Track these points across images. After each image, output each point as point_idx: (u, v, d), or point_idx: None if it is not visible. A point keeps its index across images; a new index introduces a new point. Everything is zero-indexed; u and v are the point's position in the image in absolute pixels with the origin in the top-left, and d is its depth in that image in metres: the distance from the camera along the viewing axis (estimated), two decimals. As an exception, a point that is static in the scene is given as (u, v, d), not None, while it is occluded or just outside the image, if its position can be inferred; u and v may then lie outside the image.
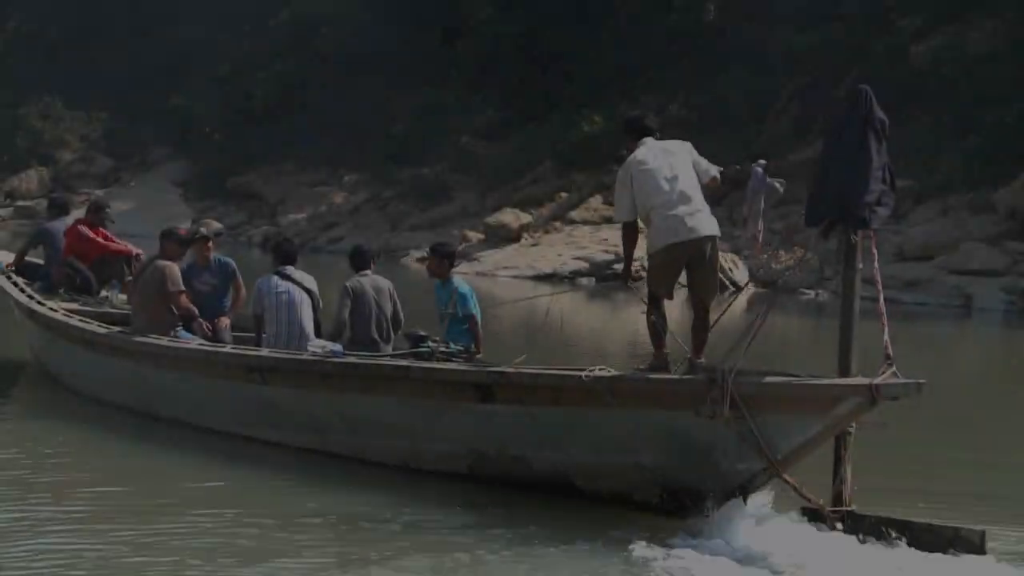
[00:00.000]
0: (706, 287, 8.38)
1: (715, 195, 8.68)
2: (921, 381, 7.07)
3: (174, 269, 10.68)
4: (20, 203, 43.43)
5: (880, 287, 7.56)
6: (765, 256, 9.10)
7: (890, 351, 7.13)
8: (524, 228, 31.76)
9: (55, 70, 56.73)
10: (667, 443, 7.76)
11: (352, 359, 9.37)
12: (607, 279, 27.09)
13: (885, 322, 7.33)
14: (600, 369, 8.03)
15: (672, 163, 8.29)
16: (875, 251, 7.62)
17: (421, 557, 6.95)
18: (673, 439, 7.70)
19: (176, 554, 6.77)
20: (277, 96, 44.48)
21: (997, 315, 23.29)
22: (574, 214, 32.15)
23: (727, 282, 26.19)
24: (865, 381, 7.13)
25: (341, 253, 16.50)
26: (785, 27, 31.63)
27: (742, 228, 8.49)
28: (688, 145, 8.54)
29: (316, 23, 45.24)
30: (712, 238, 8.27)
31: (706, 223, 8.20)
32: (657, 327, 8.33)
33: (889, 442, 12.03)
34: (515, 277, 27.51)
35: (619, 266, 26.63)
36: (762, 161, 8.44)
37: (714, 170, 8.39)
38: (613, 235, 29.46)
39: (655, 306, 8.42)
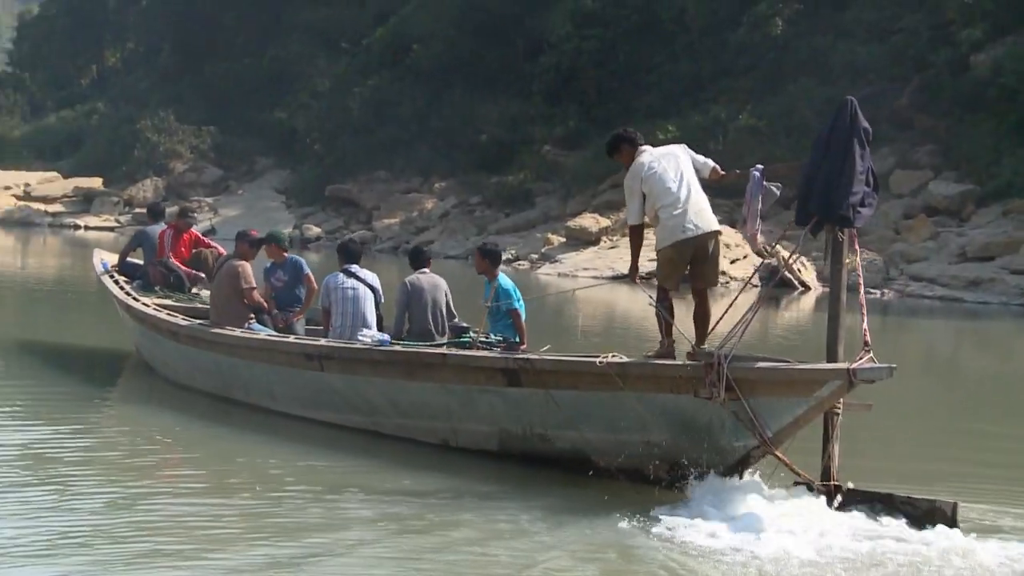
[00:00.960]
0: (707, 278, 8.54)
1: (719, 184, 8.84)
2: (892, 365, 7.21)
3: (246, 267, 10.91)
4: (137, 210, 43.47)
5: (861, 281, 7.73)
6: (767, 250, 9.14)
7: (868, 338, 7.32)
8: (603, 231, 31.78)
9: (169, 87, 57.70)
10: (672, 422, 7.89)
11: (397, 347, 9.59)
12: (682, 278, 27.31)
13: (865, 312, 7.48)
14: (612, 356, 8.17)
15: (676, 165, 8.42)
16: (857, 247, 7.76)
17: (448, 527, 7.06)
18: (677, 419, 7.85)
19: (250, 521, 7.02)
20: (372, 109, 44.26)
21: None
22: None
23: (795, 281, 26.43)
24: (843, 366, 7.30)
25: (434, 256, 17.10)
26: (849, 40, 31.18)
27: (741, 226, 8.54)
28: (683, 146, 8.71)
29: (408, 41, 44.92)
30: (715, 233, 8.45)
31: (709, 220, 8.35)
32: (664, 317, 8.50)
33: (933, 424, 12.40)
34: (594, 277, 27.20)
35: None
36: (759, 166, 8.53)
37: (711, 163, 8.56)
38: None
39: (662, 298, 8.53)
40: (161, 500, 7.46)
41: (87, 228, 44.38)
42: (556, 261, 30.40)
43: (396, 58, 44.93)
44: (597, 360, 8.09)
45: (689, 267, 8.50)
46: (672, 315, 8.49)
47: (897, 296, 25.17)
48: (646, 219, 8.55)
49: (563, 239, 32.18)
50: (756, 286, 25.20)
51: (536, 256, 31.74)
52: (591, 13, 38.67)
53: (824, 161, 7.61)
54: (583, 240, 31.56)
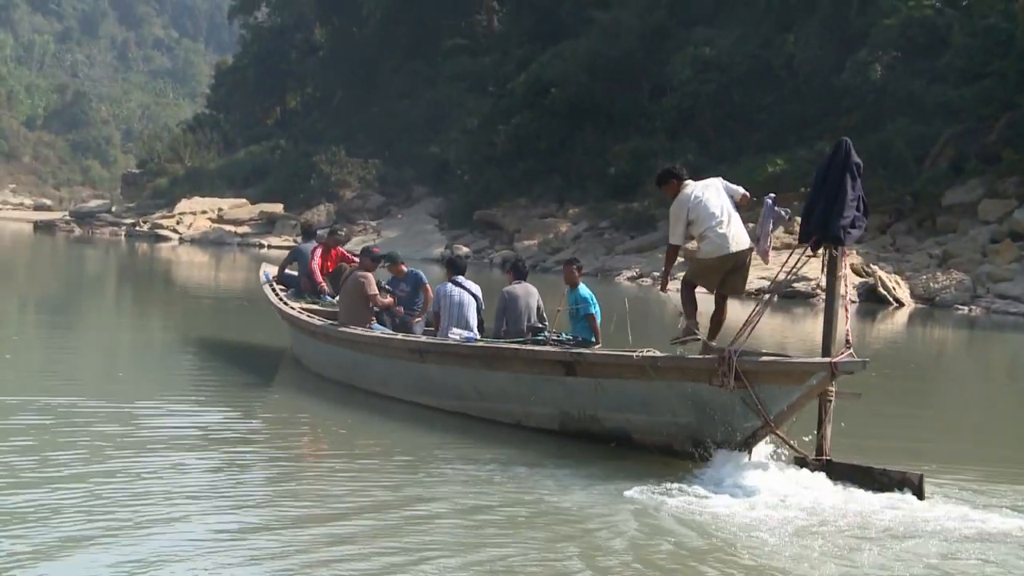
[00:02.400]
0: (736, 287, 8.78)
1: (746, 207, 8.87)
2: (866, 360, 7.46)
3: (369, 277, 11.15)
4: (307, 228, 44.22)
5: (847, 290, 7.82)
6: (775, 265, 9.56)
7: (850, 338, 7.50)
8: None
9: (340, 126, 58.74)
10: (693, 406, 7.99)
11: (480, 343, 9.82)
12: (788, 295, 25.95)
13: (848, 316, 7.63)
14: (647, 351, 8.37)
15: (717, 195, 8.66)
16: (846, 262, 7.86)
17: (517, 490, 7.22)
18: (697, 403, 7.94)
19: (372, 483, 7.18)
20: (514, 144, 44.04)
21: None
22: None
23: (890, 298, 25.97)
24: (828, 359, 7.49)
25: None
26: (942, 83, 30.50)
27: (755, 244, 8.70)
28: (719, 179, 8.93)
29: (546, 85, 44.26)
30: (750, 250, 8.64)
31: (745, 239, 8.57)
32: (690, 304, 8.72)
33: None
34: (707, 293, 27.35)
35: (799, 284, 26.52)
36: (771, 195, 8.72)
37: (742, 190, 8.73)
38: (794, 260, 30.12)
39: (689, 290, 8.79)
40: (303, 468, 7.89)
41: (270, 247, 44.91)
42: (675, 278, 30.28)
43: (535, 100, 44.58)
44: (634, 355, 8.30)
45: (723, 277, 8.72)
46: (695, 305, 8.72)
47: (984, 312, 24.57)
48: (687, 243, 8.79)
49: (681, 259, 31.84)
50: (855, 302, 24.90)
51: (657, 273, 31.02)
52: (709, 60, 38.42)
53: (822, 191, 7.80)
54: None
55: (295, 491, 7.05)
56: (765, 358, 7.76)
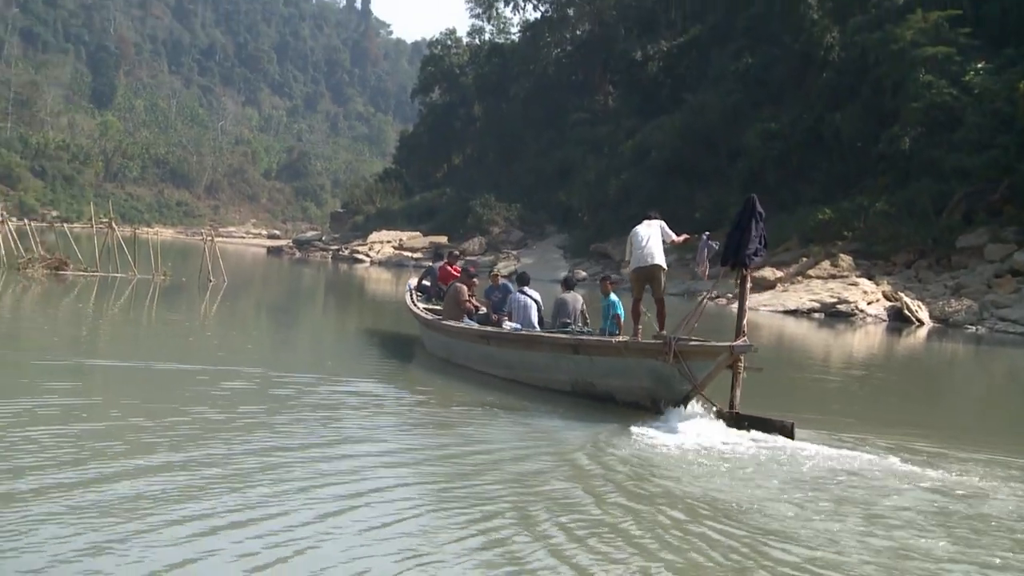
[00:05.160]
0: (658, 292, 9.23)
1: (685, 244, 9.62)
2: (752, 345, 7.81)
3: (463, 288, 11.44)
4: (468, 257, 43.06)
5: (746, 301, 8.14)
6: (709, 281, 9.51)
7: (745, 330, 7.90)
8: (778, 280, 30.87)
9: (491, 178, 59.21)
10: (651, 375, 8.22)
11: (523, 332, 10.05)
12: (833, 314, 26.20)
13: (746, 317, 8.05)
14: (622, 338, 8.81)
15: (646, 229, 9.23)
16: (749, 279, 8.18)
17: (538, 425, 7.65)
18: (652, 373, 8.18)
19: (451, 421, 7.62)
20: (623, 193, 43.54)
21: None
22: (811, 272, 30.75)
23: (913, 319, 25.43)
24: (729, 344, 7.82)
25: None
26: (958, 152, 29.80)
27: (695, 267, 9.32)
28: (660, 222, 9.37)
29: (648, 148, 44.17)
30: (660, 266, 9.13)
31: (658, 259, 9.07)
32: (636, 313, 9.25)
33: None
34: (771, 311, 27.01)
35: (842, 306, 26.21)
36: (707, 232, 9.31)
37: (671, 234, 9.22)
38: (836, 286, 28.57)
39: (635, 306, 9.29)
40: (422, 410, 8.29)
41: (435, 267, 45.72)
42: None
43: (639, 160, 44.41)
44: (613, 340, 8.69)
45: (651, 285, 9.27)
46: (638, 313, 9.23)
47: (988, 331, 24.01)
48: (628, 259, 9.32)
49: (750, 285, 31.24)
50: (884, 320, 25.51)
51: (730, 295, 29.66)
52: (774, 132, 38.11)
53: (735, 231, 8.22)
54: (764, 286, 30.28)
55: (417, 422, 7.72)
56: (692, 342, 8.04)
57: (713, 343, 8.12)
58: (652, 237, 9.23)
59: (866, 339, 21.27)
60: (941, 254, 30.21)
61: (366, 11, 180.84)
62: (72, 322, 13.76)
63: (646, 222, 9.44)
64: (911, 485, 6.45)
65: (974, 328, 24.43)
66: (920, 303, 26.43)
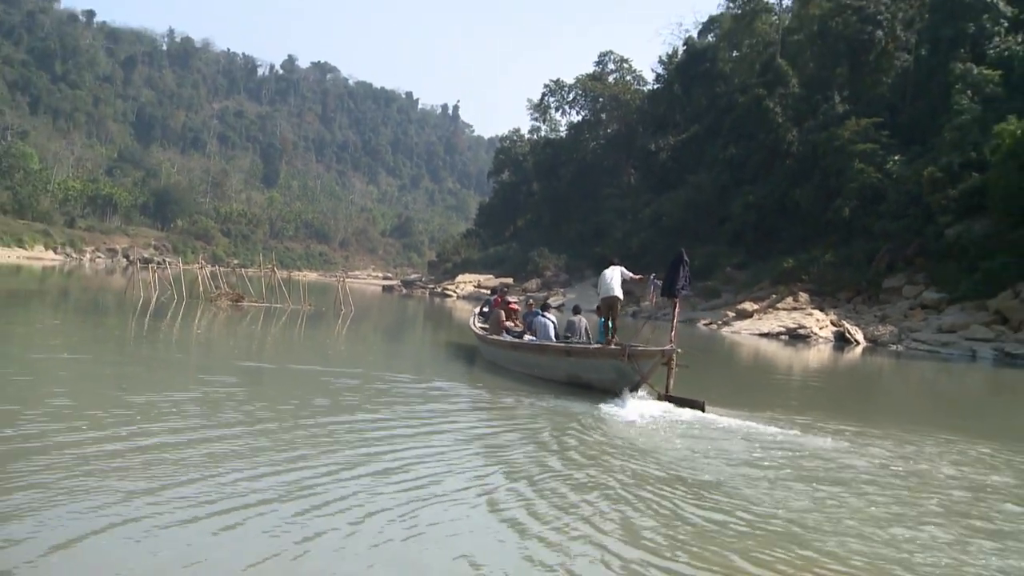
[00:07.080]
0: (615, 315, 9.05)
1: (640, 283, 9.16)
2: (677, 348, 7.67)
3: (500, 313, 11.35)
4: (529, 293, 43.09)
5: (676, 323, 8.00)
6: (652, 305, 9.34)
7: (673, 337, 7.82)
8: (755, 311, 30.02)
9: (544, 235, 58.43)
10: (615, 370, 8.15)
11: (536, 343, 9.84)
12: (795, 336, 25.78)
13: (675, 331, 7.95)
14: (597, 345, 8.69)
15: (611, 272, 9.16)
16: (679, 307, 8.14)
17: (536, 401, 7.55)
18: (616, 369, 8.12)
19: (491, 404, 7.43)
20: (642, 247, 41.78)
21: (988, 362, 21.06)
22: (779, 305, 30.26)
23: (852, 340, 25.04)
24: (661, 348, 7.79)
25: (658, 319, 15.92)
26: (882, 220, 29.95)
27: (647, 298, 9.31)
28: (621, 267, 9.21)
29: (662, 214, 44.07)
30: (618, 297, 9.01)
31: (617, 291, 8.97)
32: (606, 328, 9.06)
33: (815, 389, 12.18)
34: (750, 334, 26.60)
35: (801, 331, 26.14)
36: (654, 274, 9.14)
37: (628, 274, 9.05)
38: (797, 315, 28.08)
39: (603, 321, 9.16)
40: (473, 400, 7.96)
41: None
42: (730, 325, 29.15)
43: (653, 224, 44.35)
44: (590, 347, 8.66)
45: (608, 310, 9.14)
46: (608, 331, 8.96)
47: (905, 349, 23.62)
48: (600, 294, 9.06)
49: (734, 314, 30.42)
50: (831, 341, 25.15)
51: (720, 322, 30.22)
52: (752, 202, 38.04)
53: (669, 272, 8.29)
54: (743, 316, 29.86)
55: (473, 405, 7.63)
56: (639, 348, 8.15)
57: (652, 348, 8.15)
58: (615, 277, 9.19)
59: (817, 355, 21.34)
60: (872, 293, 30.09)
61: (455, 116, 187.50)
62: (246, 336, 14.00)
63: (611, 267, 9.36)
64: (785, 441, 6.52)
65: (895, 346, 24.11)
66: (857, 328, 26.36)
